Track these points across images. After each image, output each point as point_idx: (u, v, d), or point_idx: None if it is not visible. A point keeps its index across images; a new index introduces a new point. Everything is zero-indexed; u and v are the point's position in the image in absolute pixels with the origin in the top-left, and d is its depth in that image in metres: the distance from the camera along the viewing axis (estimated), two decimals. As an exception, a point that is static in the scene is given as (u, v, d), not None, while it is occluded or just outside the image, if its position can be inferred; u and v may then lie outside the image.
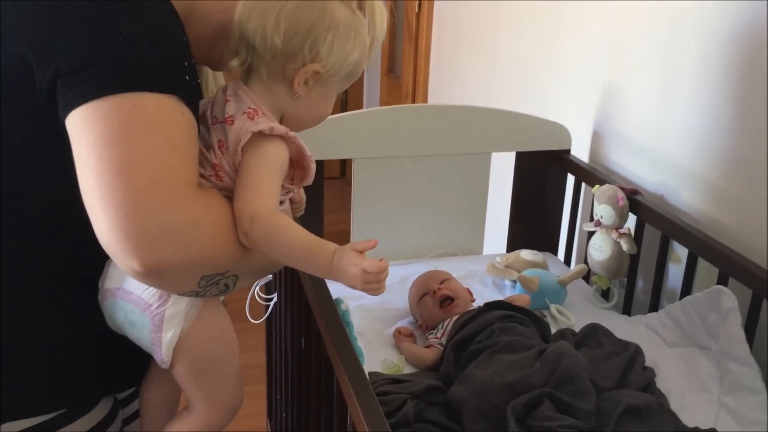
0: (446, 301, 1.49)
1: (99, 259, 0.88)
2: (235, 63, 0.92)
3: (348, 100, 4.48)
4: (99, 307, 0.94)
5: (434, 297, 1.49)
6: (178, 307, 0.92)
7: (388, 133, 1.77)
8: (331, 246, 0.89)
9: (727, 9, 1.46)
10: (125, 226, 0.77)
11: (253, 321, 1.60)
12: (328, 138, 1.69)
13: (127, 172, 0.77)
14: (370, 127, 1.75)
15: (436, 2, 3.09)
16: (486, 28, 2.58)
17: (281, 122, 0.94)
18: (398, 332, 1.49)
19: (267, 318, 1.79)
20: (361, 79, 3.65)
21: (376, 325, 1.57)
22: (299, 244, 0.88)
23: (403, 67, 3.49)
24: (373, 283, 0.87)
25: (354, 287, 0.88)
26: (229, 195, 0.89)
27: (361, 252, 0.87)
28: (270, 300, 1.68)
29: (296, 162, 0.93)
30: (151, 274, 0.80)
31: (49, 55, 0.78)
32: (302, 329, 1.33)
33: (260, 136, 0.88)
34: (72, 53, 0.78)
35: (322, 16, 0.89)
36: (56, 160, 0.83)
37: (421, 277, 1.60)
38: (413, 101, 3.38)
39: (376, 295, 0.88)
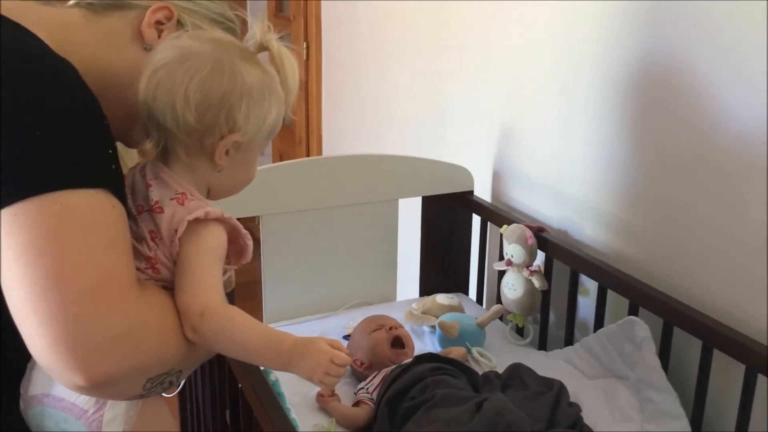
0: (397, 342, 1.49)
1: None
2: (149, 146, 0.86)
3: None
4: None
5: (388, 333, 1.49)
6: (118, 409, 0.85)
7: (294, 188, 1.74)
8: (290, 336, 0.86)
9: (619, 47, 1.54)
10: (66, 340, 0.69)
11: (165, 395, 1.52)
12: (233, 196, 1.64)
13: (64, 280, 0.69)
14: (275, 183, 1.72)
15: (324, 49, 3.11)
16: (379, 74, 2.61)
17: (208, 195, 0.90)
18: (320, 395, 1.45)
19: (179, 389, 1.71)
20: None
21: (298, 386, 1.51)
22: (256, 337, 0.84)
23: (295, 114, 3.47)
24: (332, 377, 0.84)
25: (311, 378, 0.85)
26: (167, 286, 0.84)
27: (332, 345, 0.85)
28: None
29: (230, 239, 0.89)
30: (97, 387, 0.72)
31: None
32: (226, 402, 1.27)
33: (196, 222, 0.83)
34: None
35: (233, 83, 0.84)
36: None
37: (375, 315, 1.60)
38: (307, 148, 3.36)
39: (328, 389, 0.85)
